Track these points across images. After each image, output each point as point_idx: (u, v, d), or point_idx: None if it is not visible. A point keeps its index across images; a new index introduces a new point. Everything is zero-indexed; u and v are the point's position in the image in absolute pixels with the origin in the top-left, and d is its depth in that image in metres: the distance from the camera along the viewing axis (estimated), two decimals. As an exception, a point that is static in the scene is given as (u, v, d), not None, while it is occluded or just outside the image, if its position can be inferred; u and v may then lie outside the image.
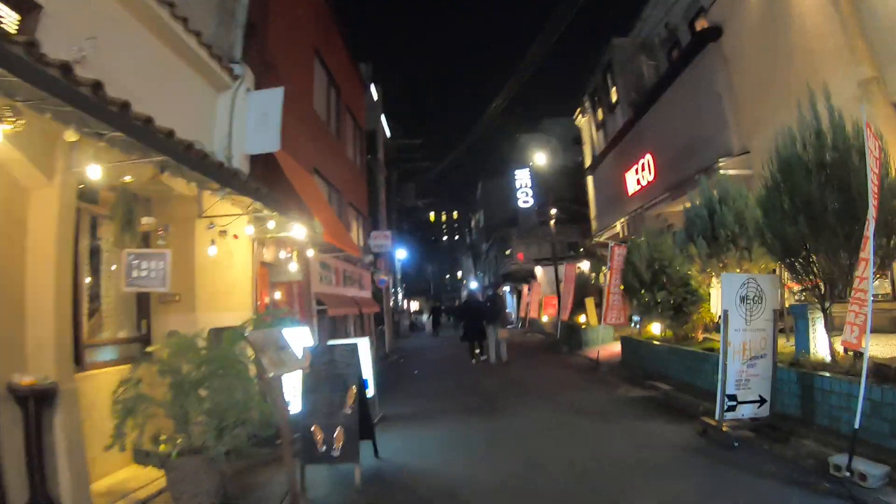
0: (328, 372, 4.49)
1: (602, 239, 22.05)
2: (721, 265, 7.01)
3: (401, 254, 29.63)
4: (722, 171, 11.57)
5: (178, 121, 5.64)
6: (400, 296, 34.93)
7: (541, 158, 20.86)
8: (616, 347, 12.96)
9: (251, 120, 8.71)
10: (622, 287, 10.58)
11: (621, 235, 19.38)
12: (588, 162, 24.78)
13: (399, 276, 29.92)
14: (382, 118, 23.54)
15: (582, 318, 15.88)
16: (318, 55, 13.33)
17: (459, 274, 78.49)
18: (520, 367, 12.35)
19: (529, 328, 24.56)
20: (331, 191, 13.28)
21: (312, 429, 4.50)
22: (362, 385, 4.62)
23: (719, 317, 9.65)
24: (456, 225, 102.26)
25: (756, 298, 5.38)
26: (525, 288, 28.12)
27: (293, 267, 9.56)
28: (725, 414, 5.29)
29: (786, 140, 5.72)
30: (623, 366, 10.52)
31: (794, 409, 5.57)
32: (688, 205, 13.94)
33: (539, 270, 28.72)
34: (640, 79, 18.00)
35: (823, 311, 5.60)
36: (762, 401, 5.43)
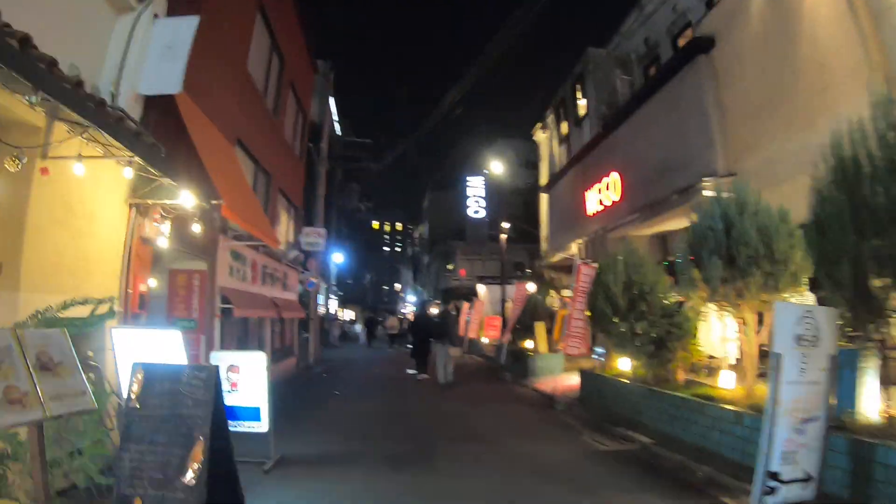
0: (168, 411, 2.60)
1: (554, 260, 20.84)
2: (735, 293, 5.55)
3: (337, 258, 27.45)
4: (705, 193, 10.48)
5: (58, 42, 4.13)
6: (334, 303, 32.68)
7: (497, 168, 19.41)
8: (570, 380, 11.49)
9: (152, 52, 6.69)
10: (588, 313, 9.07)
11: (578, 258, 18.19)
12: (544, 180, 23.64)
13: (334, 282, 27.69)
14: (332, 107, 21.68)
15: (528, 344, 14.35)
16: (261, 13, 11.35)
17: (398, 286, 76.38)
18: (461, 397, 10.61)
19: (468, 349, 22.90)
20: (258, 171, 11.25)
21: (134, 503, 2.58)
22: (223, 432, 2.75)
23: (709, 357, 8.37)
24: (399, 237, 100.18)
25: (813, 339, 3.89)
26: (465, 306, 26.47)
27: (189, 250, 7.52)
28: (765, 499, 3.73)
29: (852, 137, 4.32)
30: (583, 404, 8.97)
31: (840, 488, 4.12)
32: (661, 228, 12.68)
33: (482, 289, 27.19)
34: (612, 93, 16.94)
35: (884, 359, 4.22)
36: (808, 479, 3.93)
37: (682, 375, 7.35)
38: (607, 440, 6.83)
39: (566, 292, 17.76)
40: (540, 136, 24.50)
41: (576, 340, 9.43)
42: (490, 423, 8.01)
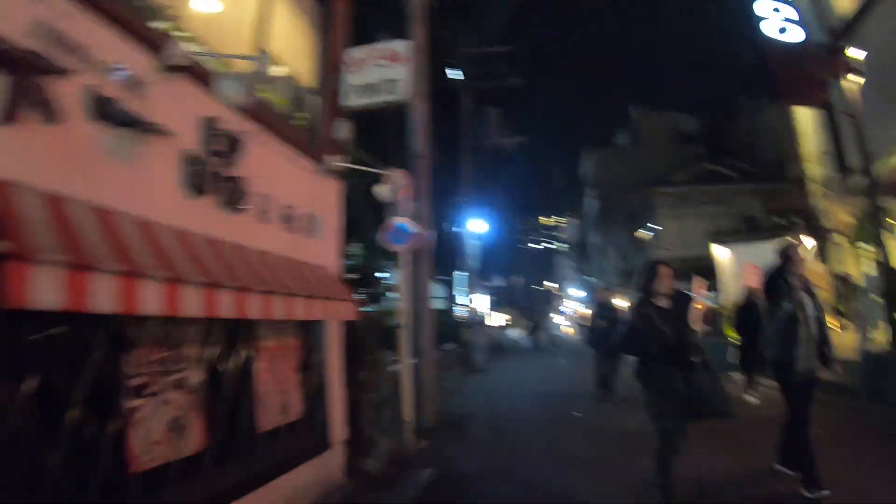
0: None
1: None
2: None
3: (480, 226, 17.83)
4: None
5: None
6: (484, 300, 23.27)
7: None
8: None
9: None
10: None
11: None
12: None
13: (477, 265, 18.09)
14: None
15: None
16: None
17: (550, 284, 65.53)
18: None
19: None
20: None
21: None
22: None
23: None
24: (546, 231, 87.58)
25: None
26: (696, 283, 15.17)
27: None
28: None
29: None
30: None
31: None
32: None
33: (724, 253, 15.79)
34: None
35: None
36: None
37: None
38: None
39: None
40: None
41: None
42: None
